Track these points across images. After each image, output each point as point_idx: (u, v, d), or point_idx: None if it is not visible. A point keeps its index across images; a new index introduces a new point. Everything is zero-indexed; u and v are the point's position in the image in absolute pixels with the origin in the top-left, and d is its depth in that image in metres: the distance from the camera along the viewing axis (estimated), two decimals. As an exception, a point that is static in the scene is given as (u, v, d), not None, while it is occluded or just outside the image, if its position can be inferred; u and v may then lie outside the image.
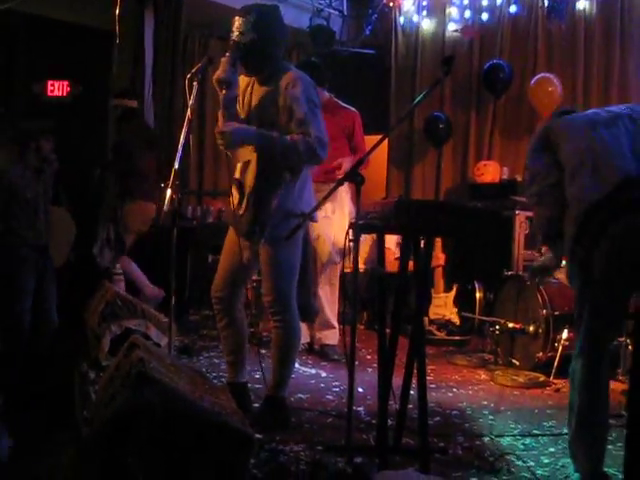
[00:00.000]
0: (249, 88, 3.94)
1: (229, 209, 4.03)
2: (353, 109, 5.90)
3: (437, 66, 8.06)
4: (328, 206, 5.39)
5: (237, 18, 3.78)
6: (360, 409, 4.23)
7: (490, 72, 7.56)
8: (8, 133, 4.96)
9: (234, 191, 3.96)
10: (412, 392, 3.40)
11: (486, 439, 3.82)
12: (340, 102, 5.89)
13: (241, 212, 3.87)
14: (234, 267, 4.00)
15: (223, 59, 3.80)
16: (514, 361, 5.43)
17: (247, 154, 3.87)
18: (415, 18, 8.50)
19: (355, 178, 3.04)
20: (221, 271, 4.08)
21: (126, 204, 6.26)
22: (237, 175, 3.97)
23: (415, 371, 3.28)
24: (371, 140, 7.96)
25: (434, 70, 8.18)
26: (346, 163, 5.33)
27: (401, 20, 8.64)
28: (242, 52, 3.75)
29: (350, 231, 3.13)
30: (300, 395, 4.58)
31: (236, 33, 3.77)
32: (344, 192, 5.46)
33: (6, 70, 9.65)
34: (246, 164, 3.89)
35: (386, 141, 8.32)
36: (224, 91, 3.78)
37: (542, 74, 7.17)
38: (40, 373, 4.94)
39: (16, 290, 4.74)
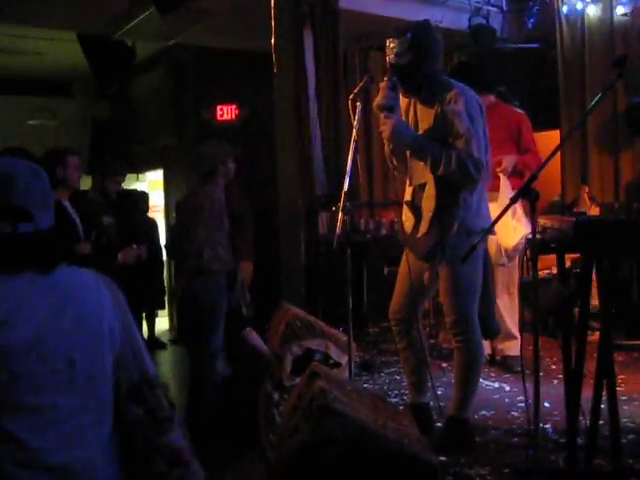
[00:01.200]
0: (411, 108, 3.90)
1: (402, 232, 4.00)
2: (519, 110, 5.70)
3: (606, 55, 7.67)
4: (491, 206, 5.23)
5: (392, 39, 3.73)
6: (547, 427, 4.08)
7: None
8: (197, 159, 4.99)
9: (408, 214, 3.94)
10: (602, 406, 3.23)
11: (689, 459, 3.56)
12: (507, 104, 5.71)
13: (419, 235, 3.83)
14: (412, 288, 3.97)
15: (382, 84, 3.78)
16: None
17: (421, 176, 3.82)
18: (579, 5, 8.09)
19: (529, 194, 2.92)
20: (398, 293, 4.06)
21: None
22: (408, 197, 3.93)
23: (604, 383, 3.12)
24: (542, 137, 7.78)
25: (604, 59, 7.77)
26: (506, 161, 5.13)
27: (564, 9, 8.25)
28: (401, 74, 3.71)
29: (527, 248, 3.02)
30: (484, 412, 4.48)
31: (392, 55, 3.73)
32: (507, 188, 5.21)
33: (176, 100, 10.16)
34: (422, 186, 3.84)
35: (557, 134, 8.03)
36: (390, 121, 3.73)
37: None
38: (228, 393, 5.12)
39: (218, 318, 4.86)
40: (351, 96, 3.99)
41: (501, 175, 5.00)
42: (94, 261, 4.22)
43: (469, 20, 8.16)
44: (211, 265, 4.69)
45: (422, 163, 3.77)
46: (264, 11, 7.09)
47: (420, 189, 3.85)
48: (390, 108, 3.72)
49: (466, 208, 3.72)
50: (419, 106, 3.85)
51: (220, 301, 4.81)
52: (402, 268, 4.06)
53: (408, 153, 3.89)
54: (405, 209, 3.96)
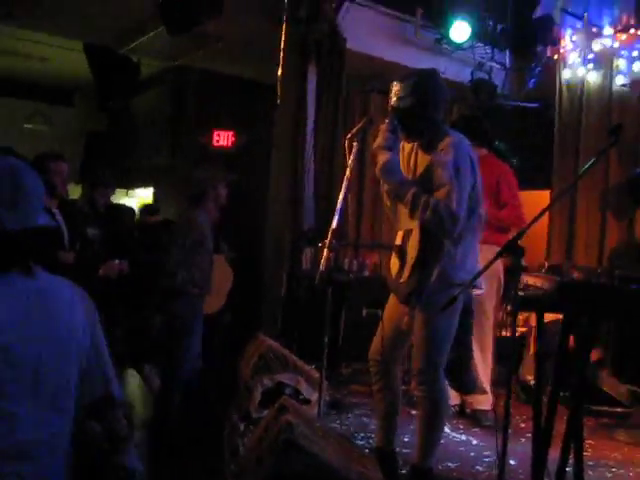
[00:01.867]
0: (413, 154, 3.92)
1: (390, 276, 4.00)
2: (504, 164, 5.72)
3: (603, 122, 7.77)
4: None
5: (395, 83, 3.77)
6: (512, 485, 4.05)
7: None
8: (190, 181, 5.07)
9: (395, 258, 3.95)
10: (568, 469, 3.21)
11: (649, 532, 3.55)
12: (498, 159, 5.75)
13: (402, 280, 3.84)
14: (394, 332, 3.98)
15: (382, 126, 3.80)
16: (682, 441, 5.06)
17: (409, 222, 3.83)
18: (580, 71, 8.22)
19: (515, 250, 2.93)
20: (380, 335, 4.06)
21: None
22: (398, 242, 3.95)
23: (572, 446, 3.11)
24: (534, 195, 7.85)
25: (600, 126, 7.87)
26: None
27: (565, 73, 8.39)
28: (401, 117, 3.74)
29: (506, 304, 3.02)
30: (449, 463, 4.45)
31: (394, 98, 3.77)
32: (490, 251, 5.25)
33: (175, 121, 10.19)
34: (408, 232, 3.85)
35: (548, 195, 8.10)
36: (385, 156, 3.75)
37: None
38: (194, 417, 5.08)
39: (188, 338, 4.89)
40: (349, 135, 3.99)
41: None
42: (76, 271, 4.20)
43: (472, 74, 8.27)
44: (184, 287, 4.72)
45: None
46: (272, 43, 7.14)
47: (407, 234, 3.87)
48: (389, 149, 3.74)
49: (448, 258, 3.72)
50: (420, 152, 3.88)
51: (192, 323, 4.83)
52: (386, 311, 4.07)
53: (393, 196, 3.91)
54: (393, 253, 3.97)
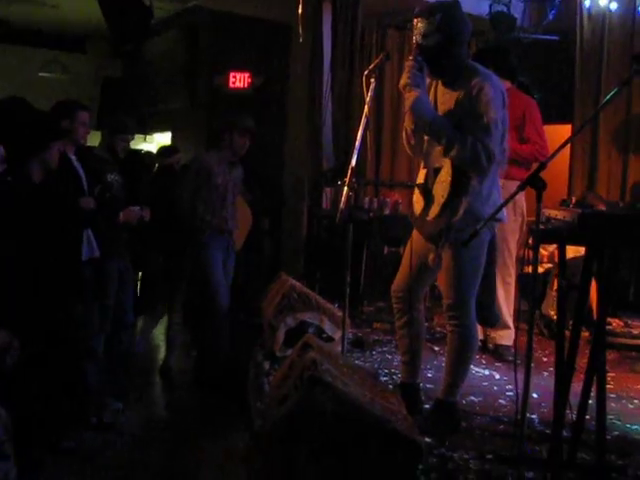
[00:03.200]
0: (432, 89, 3.87)
1: (413, 213, 3.98)
2: (528, 97, 5.62)
3: (625, 52, 7.61)
4: None
5: (419, 19, 3.67)
6: (534, 417, 4.09)
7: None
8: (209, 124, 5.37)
9: (419, 196, 3.92)
10: (590, 402, 3.24)
11: (671, 459, 3.58)
12: (522, 92, 5.65)
13: (429, 218, 3.81)
14: (419, 268, 3.97)
15: (408, 63, 3.73)
16: None
17: (437, 160, 3.79)
18: (602, 1, 8.04)
19: (536, 183, 2.90)
20: (403, 271, 4.05)
21: None
22: (421, 180, 3.92)
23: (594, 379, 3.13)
24: (556, 129, 7.74)
25: (623, 57, 7.72)
26: None
27: (587, 3, 8.19)
28: (427, 55, 3.67)
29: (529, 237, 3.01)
30: (472, 397, 4.48)
31: (419, 36, 3.66)
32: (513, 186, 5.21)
33: (190, 64, 10.10)
34: (436, 170, 3.81)
35: (570, 129, 7.98)
36: (414, 93, 3.68)
37: None
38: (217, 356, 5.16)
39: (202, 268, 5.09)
40: (366, 72, 3.94)
41: None
42: (97, 216, 4.23)
43: (490, 7, 8.09)
44: (194, 222, 5.09)
45: (439, 147, 3.74)
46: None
47: (434, 173, 3.83)
48: (417, 86, 3.67)
49: (475, 194, 3.69)
50: (441, 88, 3.82)
51: (210, 256, 5.14)
52: (409, 247, 4.05)
53: (425, 134, 3.87)
54: (417, 191, 3.94)
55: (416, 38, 3.70)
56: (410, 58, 3.73)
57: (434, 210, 3.78)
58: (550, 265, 6.33)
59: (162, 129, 11.30)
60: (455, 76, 3.73)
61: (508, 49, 5.76)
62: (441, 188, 3.76)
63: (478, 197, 3.69)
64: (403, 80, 3.71)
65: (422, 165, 3.98)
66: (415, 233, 4.02)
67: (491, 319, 4.42)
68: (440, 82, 3.83)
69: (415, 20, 3.70)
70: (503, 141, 3.74)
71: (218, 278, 5.05)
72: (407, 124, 3.92)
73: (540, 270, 5.52)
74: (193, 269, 5.19)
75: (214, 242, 5.09)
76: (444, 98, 3.79)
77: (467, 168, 3.67)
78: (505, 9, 8.12)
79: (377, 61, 3.97)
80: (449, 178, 3.72)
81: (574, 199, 6.91)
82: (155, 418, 4.67)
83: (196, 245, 5.07)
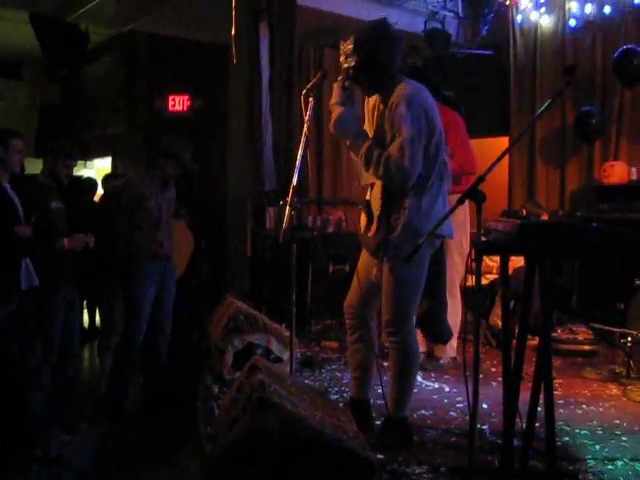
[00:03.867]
0: (376, 108, 3.90)
1: (360, 230, 4.02)
2: (453, 111, 5.59)
3: (558, 65, 7.79)
4: None
5: (342, 42, 3.78)
6: (485, 427, 4.12)
7: (622, 59, 7.09)
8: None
9: (363, 213, 3.97)
10: (540, 409, 3.27)
11: (619, 463, 3.62)
12: (448, 107, 5.68)
13: (370, 234, 3.85)
14: (366, 284, 3.99)
15: (335, 85, 3.82)
16: (648, 374, 5.16)
17: (370, 176, 3.83)
18: (533, 16, 8.21)
19: (476, 196, 2.93)
20: (355, 287, 4.08)
21: None
22: (367, 196, 3.98)
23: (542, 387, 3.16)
24: (494, 142, 7.87)
25: (554, 69, 7.90)
26: None
27: (518, 18, 8.37)
28: (353, 75, 3.76)
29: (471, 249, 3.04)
30: (423, 411, 4.50)
31: (342, 57, 3.78)
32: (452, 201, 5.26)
33: (128, 88, 10.03)
34: (372, 185, 3.87)
35: (507, 141, 8.11)
36: (337, 111, 3.76)
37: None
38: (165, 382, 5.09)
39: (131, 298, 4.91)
40: (304, 91, 3.98)
41: None
42: (34, 244, 4.15)
43: (425, 24, 8.23)
44: (127, 249, 4.89)
45: None
46: (221, 3, 7.01)
47: (370, 189, 3.89)
48: (341, 104, 3.75)
49: (413, 210, 3.71)
50: (380, 105, 3.85)
51: (133, 286, 4.91)
52: (359, 262, 4.10)
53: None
54: (363, 208, 4.00)
55: (340, 60, 3.80)
56: (338, 79, 3.82)
57: (373, 226, 3.82)
58: (497, 276, 6.40)
59: (102, 154, 11.17)
60: (386, 92, 3.76)
61: (426, 67, 5.87)
62: (375, 204, 3.82)
63: (417, 212, 3.71)
64: (331, 101, 3.81)
65: (362, 181, 4.01)
66: (363, 250, 4.05)
67: (443, 336, 4.47)
68: (379, 99, 3.86)
69: (340, 43, 3.80)
70: (440, 154, 3.77)
71: (143, 315, 4.84)
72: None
73: (485, 282, 5.58)
74: (124, 299, 5.04)
75: (147, 275, 4.86)
76: (379, 114, 3.83)
77: (387, 185, 3.73)
78: (440, 25, 8.27)
79: (315, 80, 4.00)
80: (379, 194, 3.78)
81: (525, 211, 7.04)
82: (104, 447, 4.58)
83: (128, 277, 4.90)
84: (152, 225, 4.90)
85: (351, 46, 3.69)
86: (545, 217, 6.98)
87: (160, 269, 4.93)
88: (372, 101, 3.93)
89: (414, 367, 3.93)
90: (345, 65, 3.76)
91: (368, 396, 4.18)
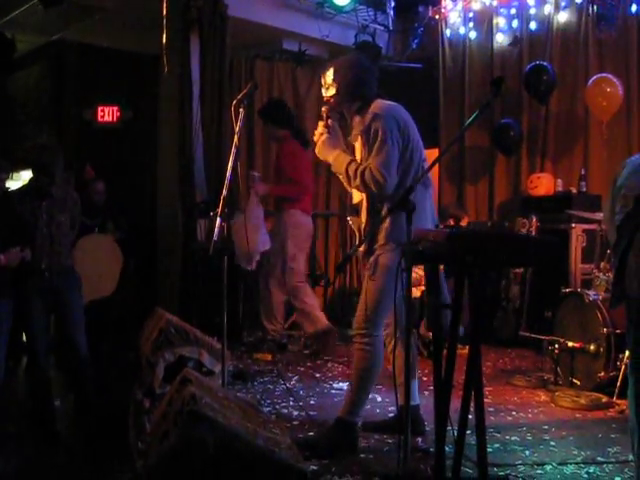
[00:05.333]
0: (356, 130, 4.09)
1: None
2: (296, 141, 6.41)
3: (486, 78, 7.95)
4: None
5: (321, 75, 4.12)
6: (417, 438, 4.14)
7: (531, 75, 7.37)
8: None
9: (356, 232, 4.22)
10: (470, 416, 3.31)
11: (548, 467, 3.70)
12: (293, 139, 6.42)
13: (361, 248, 4.04)
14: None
15: (320, 122, 4.07)
16: (575, 381, 5.27)
17: (358, 194, 4.06)
18: (462, 30, 8.39)
19: (406, 206, 2.97)
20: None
21: None
22: (361, 216, 4.15)
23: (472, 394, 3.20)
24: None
25: (483, 82, 8.07)
26: (258, 186, 6.20)
27: (447, 32, 8.54)
28: (331, 106, 4.04)
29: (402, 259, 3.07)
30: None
31: (322, 90, 4.11)
32: (253, 204, 6.13)
33: (57, 99, 9.83)
34: (360, 203, 4.07)
35: (437, 152, 8.22)
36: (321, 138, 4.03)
37: (600, 74, 6.97)
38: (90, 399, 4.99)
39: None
40: (234, 102, 4.05)
41: (252, 192, 6.13)
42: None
43: (355, 37, 8.31)
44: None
45: None
46: (152, 12, 6.94)
47: (360, 205, 4.08)
48: (326, 128, 4.02)
49: (392, 220, 3.84)
50: (359, 126, 4.02)
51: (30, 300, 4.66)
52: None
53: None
54: (354, 224, 4.26)
55: (322, 91, 4.13)
56: (322, 109, 4.10)
57: (364, 244, 4.02)
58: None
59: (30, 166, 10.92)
60: (364, 114, 3.97)
61: (283, 103, 6.69)
62: (363, 218, 4.05)
63: (395, 224, 3.84)
64: (316, 130, 4.06)
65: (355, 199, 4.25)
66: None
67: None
68: (358, 120, 4.03)
69: (321, 75, 4.13)
70: (413, 164, 3.94)
71: (34, 332, 4.66)
72: None
73: (418, 293, 5.62)
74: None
75: (29, 291, 4.59)
76: (359, 134, 4.02)
77: (364, 192, 3.96)
78: (370, 39, 8.35)
79: (245, 91, 4.11)
80: (366, 209, 4.01)
81: (465, 221, 7.20)
82: (35, 466, 4.45)
83: (16, 294, 4.58)
84: (39, 238, 4.59)
85: (329, 78, 4.01)
86: (465, 221, 7.15)
87: (44, 284, 4.69)
88: (354, 126, 4.10)
89: (373, 373, 4.00)
90: (327, 95, 4.04)
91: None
